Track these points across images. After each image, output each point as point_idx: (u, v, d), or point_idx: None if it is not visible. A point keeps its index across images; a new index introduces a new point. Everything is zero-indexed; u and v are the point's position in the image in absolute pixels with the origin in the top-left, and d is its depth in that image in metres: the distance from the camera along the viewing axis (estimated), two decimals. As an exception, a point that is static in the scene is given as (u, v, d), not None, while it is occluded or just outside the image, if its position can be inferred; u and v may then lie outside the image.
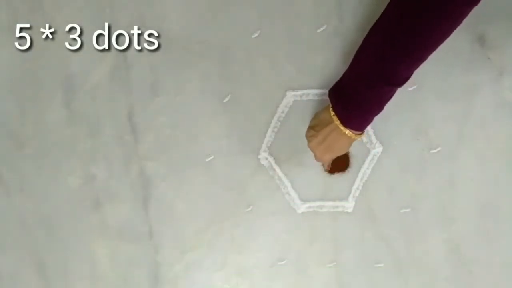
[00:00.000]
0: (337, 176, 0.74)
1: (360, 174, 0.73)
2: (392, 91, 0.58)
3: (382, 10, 0.56)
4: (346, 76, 0.61)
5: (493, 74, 0.70)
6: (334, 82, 0.63)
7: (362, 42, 0.59)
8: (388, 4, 0.55)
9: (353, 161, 0.73)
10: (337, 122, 0.61)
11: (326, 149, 0.65)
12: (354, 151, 0.73)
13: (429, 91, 0.71)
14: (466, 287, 0.74)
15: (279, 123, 0.74)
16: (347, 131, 0.62)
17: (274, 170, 0.75)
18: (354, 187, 0.74)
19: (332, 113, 0.62)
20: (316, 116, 0.66)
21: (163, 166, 0.76)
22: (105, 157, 0.76)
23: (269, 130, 0.74)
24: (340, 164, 0.73)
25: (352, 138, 0.62)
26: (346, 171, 0.74)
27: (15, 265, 0.80)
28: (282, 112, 0.73)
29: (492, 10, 0.67)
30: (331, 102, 0.63)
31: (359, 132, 0.63)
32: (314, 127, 0.66)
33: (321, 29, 0.71)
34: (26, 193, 0.78)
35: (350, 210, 0.74)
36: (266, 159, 0.74)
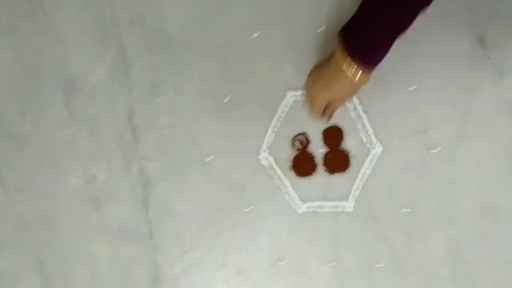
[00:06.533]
0: (337, 176, 0.74)
1: (360, 174, 0.73)
2: (411, 17, 0.52)
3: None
4: (359, 10, 0.56)
5: (493, 74, 0.70)
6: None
7: None
8: None
9: (353, 161, 0.73)
10: (344, 55, 0.56)
11: (323, 86, 0.59)
12: (354, 151, 0.73)
13: (429, 91, 0.71)
14: (466, 287, 0.74)
15: (279, 123, 0.74)
16: (353, 69, 0.55)
17: (274, 170, 0.74)
18: (354, 187, 0.74)
19: (340, 49, 0.56)
20: (319, 61, 0.62)
21: (163, 166, 0.76)
22: (105, 157, 0.76)
23: (269, 130, 0.74)
24: (340, 164, 0.73)
25: (355, 81, 0.56)
26: (346, 171, 0.74)
27: (15, 265, 0.79)
28: (282, 112, 0.73)
29: (492, 10, 0.67)
30: (340, 38, 0.57)
31: (367, 70, 0.56)
32: (315, 68, 0.61)
33: (321, 29, 0.71)
34: (26, 193, 0.78)
35: (350, 210, 0.74)
36: (266, 159, 0.74)
